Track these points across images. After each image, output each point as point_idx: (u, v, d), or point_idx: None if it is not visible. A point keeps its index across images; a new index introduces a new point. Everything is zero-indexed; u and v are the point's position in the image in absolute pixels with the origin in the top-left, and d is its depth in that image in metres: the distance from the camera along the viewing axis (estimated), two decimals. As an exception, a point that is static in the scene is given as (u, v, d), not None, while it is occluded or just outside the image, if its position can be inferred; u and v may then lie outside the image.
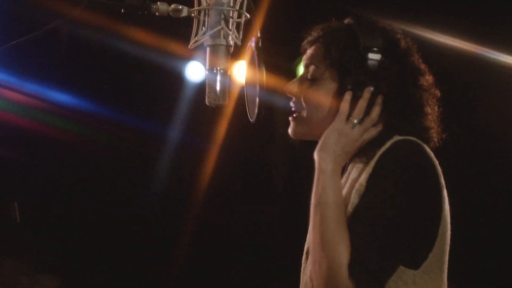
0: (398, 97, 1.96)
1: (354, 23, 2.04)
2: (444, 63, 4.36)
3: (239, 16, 1.93)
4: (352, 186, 1.92)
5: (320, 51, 2.05)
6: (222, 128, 5.25)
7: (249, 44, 1.93)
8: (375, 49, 1.95)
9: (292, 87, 2.09)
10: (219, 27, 1.90)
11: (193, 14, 1.93)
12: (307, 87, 2.05)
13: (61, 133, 4.95)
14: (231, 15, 1.91)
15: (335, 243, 1.80)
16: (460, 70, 4.43)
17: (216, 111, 5.06)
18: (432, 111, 2.01)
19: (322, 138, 1.95)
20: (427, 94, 2.01)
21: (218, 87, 1.91)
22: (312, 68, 2.05)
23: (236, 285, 5.50)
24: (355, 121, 1.93)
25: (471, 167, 4.68)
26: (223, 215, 5.52)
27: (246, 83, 2.01)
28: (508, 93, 4.50)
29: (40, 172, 5.01)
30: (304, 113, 2.05)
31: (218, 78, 1.91)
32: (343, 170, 2.03)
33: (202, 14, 1.91)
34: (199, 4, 1.92)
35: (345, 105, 1.94)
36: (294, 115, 2.07)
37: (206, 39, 1.92)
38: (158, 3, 1.91)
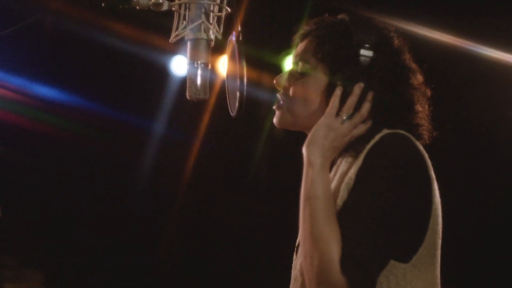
0: (389, 94, 1.96)
1: (348, 19, 2.04)
2: (435, 58, 4.41)
3: (220, 10, 1.93)
4: (341, 180, 1.93)
5: (312, 45, 2.05)
6: (207, 122, 5.24)
7: (230, 38, 1.93)
8: (368, 45, 1.95)
9: (282, 79, 2.09)
10: (200, 21, 1.90)
11: (173, 8, 1.92)
12: (297, 80, 2.05)
13: (45, 128, 4.93)
14: (211, 9, 1.91)
15: (326, 237, 1.80)
16: (451, 65, 4.43)
17: (201, 105, 5.06)
18: (422, 109, 2.02)
19: (311, 132, 1.95)
20: (418, 92, 2.02)
21: (199, 81, 1.91)
22: (303, 61, 2.05)
23: (222, 279, 5.50)
24: (345, 116, 1.94)
25: (464, 162, 4.69)
26: (207, 209, 5.51)
27: (227, 77, 2.01)
28: (497, 88, 4.51)
29: (23, 166, 4.98)
30: (291, 106, 2.05)
31: (199, 72, 1.91)
32: (332, 164, 2.03)
33: (182, 8, 1.91)
34: (180, -3, 1.92)
35: (335, 100, 1.95)
36: (280, 105, 2.08)
37: (187, 33, 1.91)
38: (138, -4, 1.91)
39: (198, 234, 5.53)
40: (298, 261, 1.98)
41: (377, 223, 1.79)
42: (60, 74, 4.96)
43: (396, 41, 2.03)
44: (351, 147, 1.96)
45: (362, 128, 1.95)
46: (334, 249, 1.78)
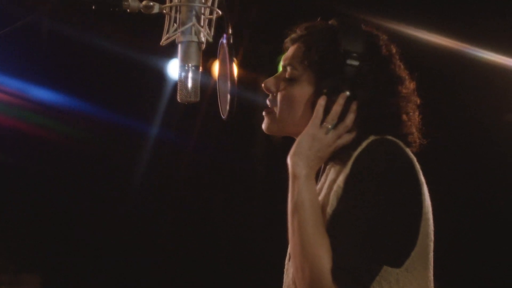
0: (374, 103, 1.95)
1: (337, 26, 2.03)
2: (434, 61, 4.41)
3: (211, 13, 1.92)
4: (330, 188, 1.92)
5: (300, 51, 2.05)
6: (204, 125, 5.24)
7: (220, 41, 1.92)
8: (354, 54, 1.94)
9: (270, 84, 2.08)
10: (191, 24, 1.89)
11: (164, 11, 1.91)
12: (284, 86, 2.05)
13: (41, 131, 4.93)
14: (202, 11, 1.90)
15: (315, 248, 1.80)
16: (449, 68, 4.43)
17: (197, 108, 5.06)
18: (410, 118, 2.01)
19: (296, 143, 1.94)
20: (405, 101, 2.00)
21: (189, 84, 1.90)
22: (290, 67, 2.05)
23: (221, 280, 5.49)
24: (329, 126, 1.93)
25: (463, 165, 4.68)
26: (205, 211, 5.51)
27: (219, 80, 2.01)
28: (495, 91, 4.50)
29: (21, 170, 4.98)
30: (278, 111, 2.05)
31: (190, 75, 1.90)
32: (322, 171, 2.03)
33: (173, 10, 1.90)
34: (171, 0, 1.91)
35: (319, 109, 1.94)
36: (268, 110, 2.07)
37: (177, 36, 1.91)
38: (129, -1, 1.90)
39: (196, 235, 5.52)
40: (290, 271, 1.97)
41: (367, 230, 1.79)
42: (56, 78, 4.97)
43: (384, 50, 2.01)
44: (338, 156, 1.95)
45: (347, 138, 1.94)
46: (324, 259, 1.78)
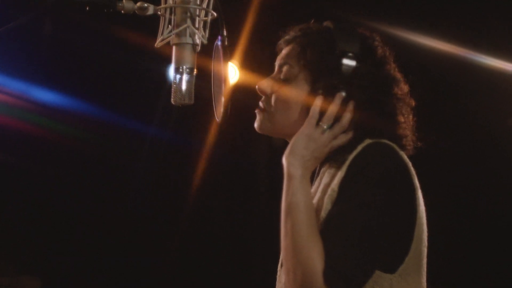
0: (370, 104, 1.94)
1: (332, 27, 2.03)
2: (435, 67, 4.40)
3: (206, 15, 1.91)
4: (324, 192, 1.91)
5: (295, 52, 2.04)
6: (207, 127, 5.23)
7: (215, 43, 1.91)
8: (351, 54, 1.94)
9: (264, 85, 2.07)
10: (185, 26, 1.88)
11: (159, 12, 1.90)
12: (279, 86, 2.04)
13: (45, 132, 4.92)
14: (197, 13, 1.89)
15: (308, 250, 1.78)
16: (451, 74, 4.42)
17: (202, 111, 5.04)
18: (406, 120, 2.00)
19: (291, 143, 1.93)
20: (401, 103, 2.00)
21: (184, 87, 1.88)
22: (286, 68, 2.04)
23: (228, 284, 5.48)
24: (325, 126, 1.92)
25: (465, 170, 4.66)
26: (212, 215, 5.50)
27: (213, 82, 1.99)
28: (497, 96, 4.49)
29: (22, 171, 4.98)
30: (273, 112, 2.03)
31: (184, 77, 1.88)
32: (316, 175, 2.01)
33: (168, 12, 1.89)
34: (165, 2, 1.90)
35: (315, 109, 1.93)
36: (261, 109, 2.06)
37: (172, 38, 1.89)
38: (124, 0, 1.89)
39: (198, 236, 5.51)
40: (282, 275, 1.95)
41: (360, 234, 1.77)
42: (58, 79, 4.96)
43: (380, 51, 2.01)
44: (333, 158, 1.94)
45: (343, 139, 1.94)
46: (317, 262, 1.76)
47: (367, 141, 1.90)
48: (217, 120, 1.94)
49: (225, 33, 1.89)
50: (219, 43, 1.89)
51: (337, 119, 1.92)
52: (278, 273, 2.02)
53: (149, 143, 5.35)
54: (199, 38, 1.89)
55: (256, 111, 2.08)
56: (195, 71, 1.91)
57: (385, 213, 1.80)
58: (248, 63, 4.87)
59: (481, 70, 4.31)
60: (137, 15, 1.92)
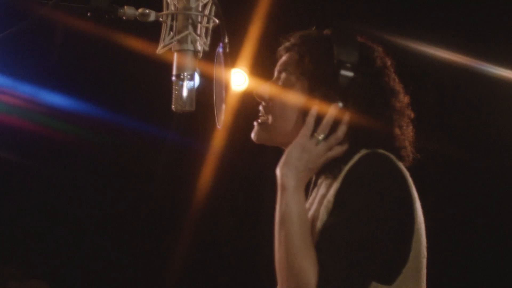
0: (366, 115, 1.92)
1: (332, 35, 2.01)
2: (438, 75, 4.39)
3: (208, 22, 1.90)
4: (320, 202, 1.89)
5: (294, 59, 2.03)
6: (216, 133, 5.23)
7: (217, 49, 1.90)
8: (348, 65, 1.92)
9: (262, 91, 2.06)
10: (187, 32, 1.87)
11: (161, 19, 1.90)
12: (277, 94, 2.02)
13: (58, 136, 4.93)
14: (199, 20, 1.89)
15: (302, 261, 1.76)
16: (463, 85, 4.41)
17: (211, 116, 5.03)
18: (403, 131, 1.98)
19: (285, 153, 1.91)
20: (398, 115, 1.98)
21: (184, 93, 1.88)
22: (284, 75, 2.03)
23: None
24: (320, 137, 1.90)
25: (477, 179, 4.64)
26: (216, 220, 5.49)
27: (215, 89, 1.98)
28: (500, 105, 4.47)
29: (32, 174, 4.99)
30: (270, 120, 2.02)
31: (185, 84, 1.88)
32: (313, 185, 2.00)
33: (169, 18, 1.89)
34: (167, 8, 1.89)
35: (310, 119, 1.91)
36: (260, 120, 2.05)
37: (173, 44, 1.89)
38: (125, 7, 1.89)
39: (207, 239, 5.50)
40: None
41: (355, 245, 1.75)
42: (72, 83, 4.97)
43: (379, 62, 1.99)
44: (330, 168, 1.92)
45: (338, 150, 1.91)
46: (310, 273, 1.74)
47: (363, 151, 1.88)
48: (218, 126, 1.93)
49: (226, 39, 1.88)
50: (221, 50, 1.88)
51: (332, 130, 1.90)
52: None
53: (161, 147, 5.35)
54: (201, 44, 1.89)
55: (254, 122, 2.06)
56: (196, 78, 1.90)
57: (382, 224, 1.78)
58: (258, 70, 4.87)
59: (487, 79, 4.29)
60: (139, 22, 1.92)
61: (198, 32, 1.88)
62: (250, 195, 5.46)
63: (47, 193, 5.06)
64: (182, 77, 1.88)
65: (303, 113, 1.94)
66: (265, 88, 2.05)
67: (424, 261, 1.90)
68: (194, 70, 1.89)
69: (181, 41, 1.88)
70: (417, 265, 1.87)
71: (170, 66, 1.85)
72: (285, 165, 1.89)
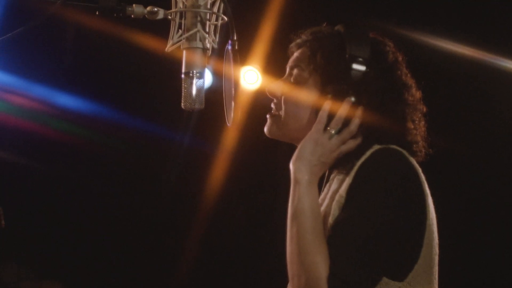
0: (379, 110, 1.92)
1: (343, 31, 2.00)
2: (445, 67, 4.36)
3: (216, 19, 1.89)
4: (332, 198, 1.88)
5: (306, 56, 2.03)
6: (228, 133, 5.22)
7: (226, 47, 1.89)
8: (361, 59, 1.92)
9: (274, 88, 2.06)
10: (195, 30, 1.86)
11: (169, 17, 1.89)
12: (289, 90, 2.02)
13: (68, 137, 4.94)
14: (208, 17, 1.88)
15: (313, 256, 1.76)
16: (464, 76, 4.38)
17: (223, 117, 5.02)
18: (416, 126, 1.97)
19: (299, 148, 1.91)
20: (411, 109, 1.97)
21: (194, 91, 1.87)
22: (296, 71, 2.03)
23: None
24: (333, 131, 1.90)
25: (471, 176, 4.61)
26: (228, 220, 5.48)
27: (224, 87, 1.97)
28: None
29: (44, 176, 5.00)
30: (283, 115, 2.02)
31: (194, 81, 1.87)
32: (326, 181, 1.99)
33: (178, 16, 1.88)
34: (176, 6, 1.89)
35: (323, 114, 1.91)
36: (272, 113, 2.05)
37: (182, 42, 1.88)
38: (134, 5, 1.88)
39: (220, 241, 5.50)
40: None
41: (367, 241, 1.75)
42: (85, 85, 4.97)
43: (391, 56, 1.98)
44: (342, 163, 1.91)
45: (351, 144, 1.91)
46: (321, 268, 1.74)
47: (376, 147, 1.87)
48: (228, 124, 1.92)
49: (235, 37, 1.87)
50: (230, 47, 1.87)
51: (345, 124, 1.90)
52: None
53: (173, 146, 5.35)
54: (210, 42, 1.88)
55: (267, 115, 2.06)
56: (205, 76, 1.89)
57: (393, 220, 1.77)
58: (270, 68, 4.86)
59: (500, 73, 4.26)
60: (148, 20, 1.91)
61: (207, 30, 1.88)
62: (263, 194, 5.45)
63: (61, 195, 5.07)
64: (191, 75, 1.87)
65: (316, 108, 1.94)
66: (277, 85, 2.05)
67: (436, 258, 1.88)
68: (204, 68, 1.88)
69: (190, 39, 1.87)
70: (429, 262, 1.85)
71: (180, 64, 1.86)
72: (299, 159, 1.88)
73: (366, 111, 1.91)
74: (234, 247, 5.49)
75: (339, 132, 1.90)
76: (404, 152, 1.87)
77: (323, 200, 1.94)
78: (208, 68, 4.95)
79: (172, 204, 5.45)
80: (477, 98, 4.46)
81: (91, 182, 5.15)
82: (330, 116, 1.90)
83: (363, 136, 1.91)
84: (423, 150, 1.97)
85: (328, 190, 1.95)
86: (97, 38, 4.59)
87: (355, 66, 1.91)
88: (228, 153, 5.33)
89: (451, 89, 4.42)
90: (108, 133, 5.04)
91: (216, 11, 1.88)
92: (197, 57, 1.87)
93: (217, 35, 1.89)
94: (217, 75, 4.69)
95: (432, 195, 1.88)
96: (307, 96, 1.98)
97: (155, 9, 1.89)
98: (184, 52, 1.88)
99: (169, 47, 1.90)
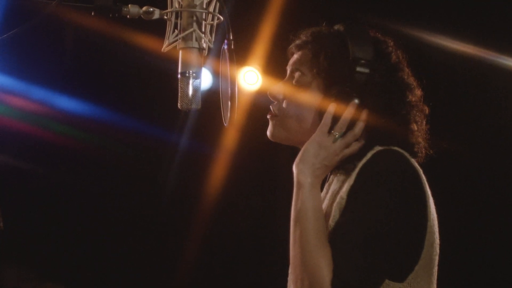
0: (384, 112, 1.91)
1: (345, 31, 1.99)
2: (447, 66, 4.34)
3: (212, 19, 1.89)
4: (333, 199, 1.88)
5: (307, 58, 2.01)
6: (228, 133, 5.22)
7: (222, 47, 1.89)
8: (364, 61, 1.90)
9: (276, 91, 2.04)
10: (191, 30, 1.86)
11: (165, 17, 1.89)
12: (291, 93, 2.00)
13: (67, 140, 4.93)
14: (204, 17, 1.87)
15: (316, 259, 1.75)
16: (463, 74, 4.36)
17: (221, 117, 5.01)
18: (419, 127, 1.96)
19: (302, 150, 1.90)
20: (414, 110, 1.96)
21: (190, 91, 1.86)
22: (298, 74, 2.01)
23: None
24: (337, 134, 1.89)
25: (472, 177, 4.60)
26: (227, 222, 5.48)
27: (221, 86, 1.96)
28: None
29: (44, 178, 4.99)
30: (286, 118, 2.00)
31: (191, 82, 1.86)
32: (324, 181, 1.98)
33: (174, 16, 1.87)
34: (171, 6, 1.88)
35: (327, 117, 1.90)
36: (273, 114, 2.03)
37: (178, 42, 1.88)
38: (129, 5, 1.88)
39: (220, 242, 5.49)
40: (291, 285, 1.92)
41: (368, 243, 1.74)
42: (83, 87, 4.97)
43: (393, 57, 1.97)
44: (343, 165, 1.91)
45: (355, 147, 1.90)
46: (324, 271, 1.73)
47: (377, 148, 1.87)
48: (225, 124, 1.92)
49: (231, 36, 1.86)
50: (226, 46, 1.87)
51: (350, 127, 1.88)
52: (289, 282, 1.98)
53: (172, 148, 5.34)
54: (206, 42, 1.87)
55: (268, 116, 2.04)
56: (201, 76, 1.88)
57: (395, 221, 1.77)
58: (271, 69, 4.85)
59: (502, 71, 4.24)
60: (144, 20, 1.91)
61: (203, 30, 1.87)
62: (262, 195, 5.44)
63: (59, 196, 5.06)
64: (187, 75, 1.86)
65: (320, 111, 1.93)
66: (279, 88, 2.03)
67: (436, 258, 1.88)
68: (200, 68, 1.88)
69: (186, 39, 1.87)
70: (429, 262, 1.85)
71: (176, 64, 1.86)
72: (302, 162, 1.87)
73: (371, 113, 1.90)
74: (234, 249, 5.48)
75: (343, 135, 1.89)
76: (405, 153, 1.86)
77: (323, 200, 1.94)
78: (207, 69, 5.01)
79: (171, 206, 5.44)
80: (477, 96, 4.45)
81: (89, 184, 5.14)
82: (334, 119, 1.89)
83: (366, 138, 1.91)
84: (424, 151, 1.96)
85: (328, 190, 1.95)
86: (93, 39, 4.59)
87: (359, 68, 1.90)
88: (227, 154, 5.32)
89: (451, 88, 4.41)
90: (105, 134, 5.03)
91: (212, 10, 1.87)
92: (193, 57, 1.87)
93: (213, 35, 1.89)
94: (216, 75, 4.68)
95: (433, 196, 1.87)
96: (310, 98, 1.96)
97: (151, 9, 1.88)
98: (180, 52, 1.88)
99: (165, 47, 1.90)
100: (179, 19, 1.87)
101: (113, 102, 5.05)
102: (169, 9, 1.88)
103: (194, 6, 1.86)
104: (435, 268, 1.88)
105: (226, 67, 1.87)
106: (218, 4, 1.87)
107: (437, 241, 1.88)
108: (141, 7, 1.88)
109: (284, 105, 2.01)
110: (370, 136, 1.91)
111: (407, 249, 1.80)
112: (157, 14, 1.89)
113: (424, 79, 2.03)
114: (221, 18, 1.88)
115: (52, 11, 1.81)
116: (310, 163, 1.86)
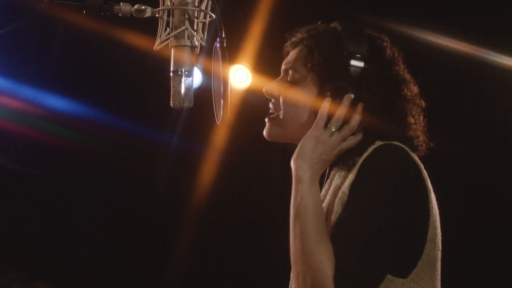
0: (379, 106, 1.91)
1: (340, 27, 1.99)
2: (442, 64, 4.35)
3: (205, 17, 1.88)
4: (334, 194, 1.88)
5: (302, 54, 2.01)
6: (220, 132, 5.21)
7: (214, 45, 1.88)
8: (359, 56, 1.91)
9: (271, 88, 2.04)
10: (183, 28, 1.85)
11: (157, 15, 1.88)
12: (287, 89, 2.00)
13: (58, 140, 4.91)
14: (196, 15, 1.87)
15: (318, 254, 1.75)
16: (458, 72, 4.37)
17: (213, 116, 5.00)
18: (416, 121, 1.96)
19: (299, 145, 1.90)
20: (410, 104, 1.96)
21: (182, 90, 1.86)
22: (292, 70, 2.01)
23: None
24: (333, 128, 1.89)
25: (473, 172, 4.60)
26: (219, 221, 5.47)
27: (213, 84, 1.96)
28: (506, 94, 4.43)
29: (36, 178, 4.97)
30: (281, 116, 2.00)
31: (183, 80, 1.86)
32: (326, 177, 1.98)
33: (166, 14, 1.87)
34: (163, 4, 1.87)
35: (323, 111, 1.90)
36: (271, 116, 2.03)
37: (170, 40, 1.87)
38: (121, 3, 1.87)
39: (214, 240, 5.49)
40: (292, 281, 1.92)
41: (371, 238, 1.74)
42: (72, 85, 4.95)
43: (388, 52, 1.97)
44: (343, 160, 1.90)
45: (352, 141, 1.90)
46: (326, 266, 1.72)
47: (378, 143, 1.86)
48: (217, 122, 1.91)
49: (223, 34, 1.86)
50: (218, 45, 1.86)
51: (346, 121, 1.89)
52: (291, 279, 1.98)
53: (164, 146, 5.34)
54: (198, 40, 1.87)
55: (266, 119, 2.04)
56: (194, 74, 1.88)
57: (397, 216, 1.76)
58: (261, 67, 4.84)
59: (496, 69, 4.25)
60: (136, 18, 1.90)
61: (195, 28, 1.87)
62: (254, 193, 5.44)
63: (51, 196, 5.04)
64: (179, 73, 1.86)
65: (316, 106, 1.93)
66: (274, 85, 2.03)
67: (439, 254, 1.88)
68: (192, 66, 1.88)
69: (178, 37, 1.87)
70: (432, 258, 1.85)
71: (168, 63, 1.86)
72: (300, 157, 1.87)
73: (366, 107, 1.90)
74: (226, 248, 5.48)
75: (339, 129, 1.89)
76: (406, 148, 1.86)
77: (324, 196, 1.94)
78: (197, 67, 5.00)
79: (163, 205, 5.43)
80: (472, 93, 4.46)
81: (80, 183, 5.12)
82: (330, 114, 1.89)
83: (364, 133, 1.91)
84: (424, 145, 1.96)
85: (329, 186, 1.94)
86: (84, 37, 4.57)
87: (354, 62, 1.90)
88: (219, 152, 5.31)
89: (446, 85, 4.41)
90: (96, 133, 5.01)
91: (204, 8, 1.87)
92: (186, 55, 1.86)
93: (205, 33, 1.88)
94: (206, 74, 4.68)
95: (434, 191, 1.87)
96: (306, 94, 1.96)
97: (143, 7, 1.88)
98: (172, 50, 1.88)
99: (157, 46, 1.89)
100: (171, 17, 1.87)
101: (104, 101, 5.03)
102: (161, 7, 1.87)
103: (186, 4, 1.85)
104: (439, 264, 1.88)
105: (218, 65, 1.86)
106: (210, 2, 1.87)
107: (440, 236, 1.87)
108: (132, 5, 1.88)
109: (280, 102, 2.01)
110: (368, 130, 1.91)
111: (410, 245, 1.80)
112: (149, 12, 1.88)
113: (419, 76, 2.03)
114: (213, 16, 1.88)
115: (43, 9, 1.80)
116: (308, 158, 1.86)
